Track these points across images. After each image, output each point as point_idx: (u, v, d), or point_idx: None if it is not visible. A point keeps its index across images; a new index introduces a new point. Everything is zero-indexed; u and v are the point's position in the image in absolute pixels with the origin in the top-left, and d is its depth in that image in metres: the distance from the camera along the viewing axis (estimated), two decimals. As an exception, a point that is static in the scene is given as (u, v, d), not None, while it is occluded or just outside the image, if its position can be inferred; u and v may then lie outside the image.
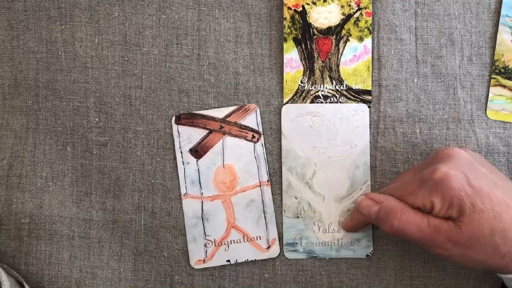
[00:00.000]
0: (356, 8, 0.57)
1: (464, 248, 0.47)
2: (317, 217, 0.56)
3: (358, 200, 0.52)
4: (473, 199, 0.46)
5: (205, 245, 0.56)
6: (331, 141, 0.56)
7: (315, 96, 0.57)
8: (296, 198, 0.56)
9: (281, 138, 0.57)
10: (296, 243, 0.56)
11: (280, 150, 0.57)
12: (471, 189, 0.47)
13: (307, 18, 0.57)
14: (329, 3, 0.57)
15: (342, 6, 0.57)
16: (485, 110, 0.57)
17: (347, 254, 0.56)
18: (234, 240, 0.56)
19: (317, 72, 0.57)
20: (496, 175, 0.50)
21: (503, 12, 0.57)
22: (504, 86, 0.57)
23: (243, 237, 0.57)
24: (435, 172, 0.48)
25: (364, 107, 0.57)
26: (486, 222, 0.46)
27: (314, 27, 0.57)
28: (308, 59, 0.57)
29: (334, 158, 0.56)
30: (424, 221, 0.48)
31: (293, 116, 0.57)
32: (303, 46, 0.57)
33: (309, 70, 0.57)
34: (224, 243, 0.56)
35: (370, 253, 0.56)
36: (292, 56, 0.57)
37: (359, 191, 0.56)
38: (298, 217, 0.56)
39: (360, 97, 0.57)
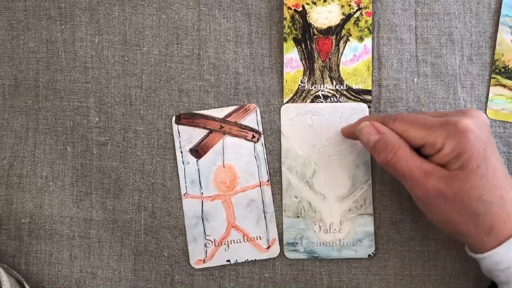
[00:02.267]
0: (356, 8, 0.57)
1: (445, 200, 0.47)
2: (317, 217, 0.56)
3: (360, 125, 0.51)
4: (481, 162, 0.46)
5: (205, 245, 0.56)
6: (331, 140, 0.56)
7: (315, 96, 0.57)
8: (296, 197, 0.56)
9: (281, 139, 0.57)
10: (297, 243, 0.56)
11: (280, 150, 0.57)
12: (484, 153, 0.47)
13: (307, 18, 0.57)
14: (329, 3, 0.57)
15: (342, 6, 0.57)
16: (485, 109, 0.57)
17: (349, 255, 0.56)
18: (234, 240, 0.56)
19: (317, 72, 0.57)
20: (499, 155, 0.50)
21: (503, 12, 0.57)
22: (504, 86, 0.57)
23: (243, 237, 0.57)
24: (461, 121, 0.47)
25: (363, 106, 0.57)
26: (479, 187, 0.46)
27: (314, 27, 0.57)
28: (308, 59, 0.57)
29: (334, 157, 0.56)
30: (417, 163, 0.48)
31: (293, 115, 0.57)
32: (303, 46, 0.57)
33: (309, 70, 0.57)
34: (224, 243, 0.56)
35: (372, 253, 0.56)
36: (292, 56, 0.57)
37: (360, 191, 0.56)
38: (298, 217, 0.56)
39: (360, 96, 0.57)
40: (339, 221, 0.56)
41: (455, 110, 0.55)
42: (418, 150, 0.49)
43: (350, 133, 0.54)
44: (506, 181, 0.47)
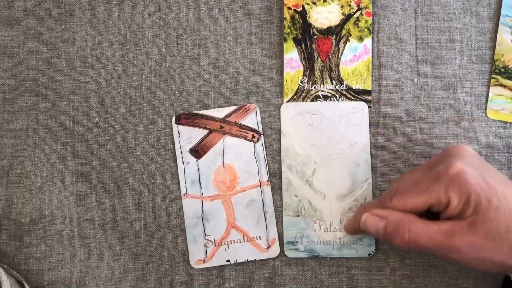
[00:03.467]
0: (356, 8, 0.57)
1: (480, 249, 0.45)
2: (318, 216, 0.56)
3: (362, 219, 0.50)
4: (489, 195, 0.45)
5: (205, 245, 0.56)
6: (331, 139, 0.56)
7: (315, 96, 0.57)
8: (296, 196, 0.56)
9: (281, 138, 0.57)
10: (297, 242, 0.56)
11: (280, 150, 0.57)
12: (487, 185, 0.46)
13: (307, 18, 0.57)
14: (329, 3, 0.57)
15: (342, 6, 0.57)
16: (485, 109, 0.57)
17: (349, 253, 0.56)
18: (234, 240, 0.56)
19: (317, 72, 0.57)
20: (500, 174, 0.49)
21: (503, 12, 0.57)
22: (504, 86, 0.57)
23: (243, 237, 0.56)
24: (451, 167, 0.46)
25: (363, 105, 0.57)
26: (502, 219, 0.45)
27: (314, 27, 0.57)
28: (308, 59, 0.57)
29: (334, 156, 0.56)
30: (434, 228, 0.46)
31: (293, 114, 0.57)
32: (303, 46, 0.57)
33: (309, 70, 0.57)
34: (224, 243, 0.56)
35: (373, 251, 0.56)
36: (292, 56, 0.57)
37: (360, 189, 0.56)
38: (298, 216, 0.56)
39: (360, 97, 0.57)
40: (340, 220, 0.56)
41: (439, 155, 0.52)
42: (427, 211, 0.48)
43: (355, 229, 0.53)
44: None
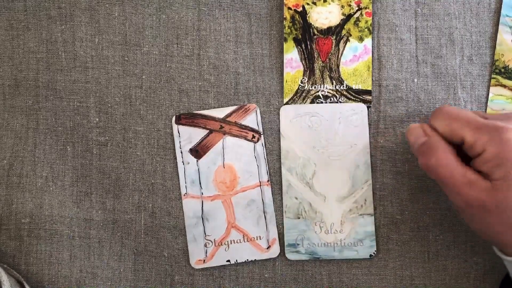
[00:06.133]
0: (356, 8, 0.57)
1: (486, 211, 0.45)
2: (318, 218, 0.56)
3: (410, 126, 0.51)
4: None
5: (205, 245, 0.56)
6: (330, 141, 0.56)
7: (315, 96, 0.57)
8: (296, 198, 0.56)
9: (280, 140, 0.57)
10: (298, 244, 0.56)
11: (280, 150, 0.57)
12: None
13: (307, 18, 0.57)
14: (329, 3, 0.57)
15: (342, 6, 0.57)
16: (485, 110, 0.57)
17: (350, 255, 0.56)
18: (234, 240, 0.56)
19: (317, 72, 0.57)
20: None
21: (503, 12, 0.57)
22: (504, 86, 0.57)
23: (243, 237, 0.57)
24: (508, 130, 0.45)
25: (362, 106, 0.57)
26: None
27: (314, 27, 0.57)
28: (308, 59, 0.57)
29: (334, 158, 0.56)
30: (461, 171, 0.46)
31: (292, 116, 0.57)
32: (303, 46, 0.57)
33: (309, 70, 0.57)
34: (224, 243, 0.56)
35: (374, 253, 0.56)
36: (292, 56, 0.57)
37: (360, 191, 0.56)
38: (299, 218, 0.56)
39: (360, 97, 0.57)
40: (340, 222, 0.56)
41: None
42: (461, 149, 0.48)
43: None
44: None
